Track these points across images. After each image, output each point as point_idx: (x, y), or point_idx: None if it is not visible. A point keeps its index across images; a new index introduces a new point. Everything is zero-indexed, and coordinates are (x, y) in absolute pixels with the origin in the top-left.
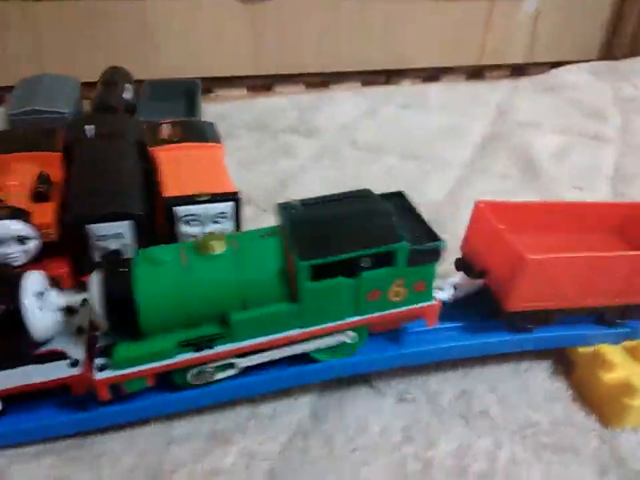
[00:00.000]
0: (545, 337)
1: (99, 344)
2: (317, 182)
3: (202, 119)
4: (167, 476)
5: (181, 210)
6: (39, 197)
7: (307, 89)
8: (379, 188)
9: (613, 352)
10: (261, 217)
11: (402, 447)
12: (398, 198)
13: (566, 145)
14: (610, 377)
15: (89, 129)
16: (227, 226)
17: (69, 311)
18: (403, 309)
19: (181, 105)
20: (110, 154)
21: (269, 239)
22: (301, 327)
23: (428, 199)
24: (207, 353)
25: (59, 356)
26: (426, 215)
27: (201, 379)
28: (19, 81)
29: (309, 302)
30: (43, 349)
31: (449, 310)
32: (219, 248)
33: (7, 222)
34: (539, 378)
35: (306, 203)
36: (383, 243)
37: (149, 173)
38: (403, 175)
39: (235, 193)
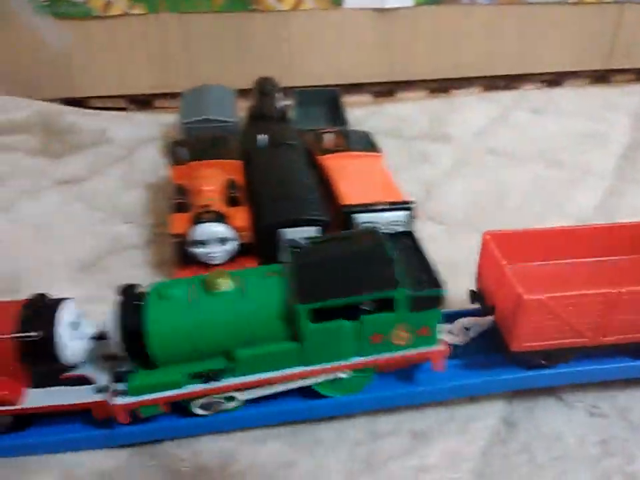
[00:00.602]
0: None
1: (118, 370)
2: (460, 190)
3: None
4: (381, 466)
5: (361, 218)
6: (233, 201)
7: (429, 94)
8: (525, 197)
9: None
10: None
11: (602, 460)
12: (407, 238)
13: None
14: None
15: (262, 139)
16: None
17: (101, 337)
18: (408, 352)
19: (324, 112)
20: (285, 162)
21: (273, 279)
22: (304, 365)
23: (578, 210)
24: (213, 385)
25: (85, 381)
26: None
27: (211, 409)
28: (185, 91)
29: (310, 342)
30: (72, 373)
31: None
32: (224, 286)
33: (213, 224)
34: None
35: (314, 242)
36: (382, 288)
37: (320, 181)
38: (548, 183)
39: (410, 202)
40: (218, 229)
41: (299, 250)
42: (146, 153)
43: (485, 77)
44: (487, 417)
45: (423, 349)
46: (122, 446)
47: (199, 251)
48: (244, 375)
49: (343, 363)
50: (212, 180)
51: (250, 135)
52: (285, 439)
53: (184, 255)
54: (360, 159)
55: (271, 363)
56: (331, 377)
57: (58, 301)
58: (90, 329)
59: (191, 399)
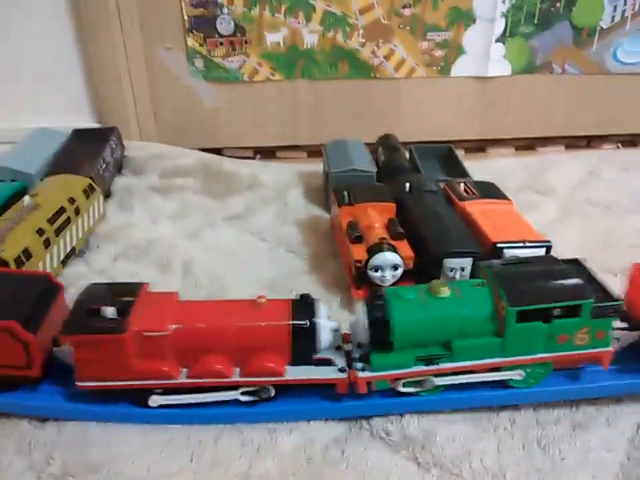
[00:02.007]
0: None
1: (354, 354)
2: (568, 238)
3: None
4: (553, 450)
5: (509, 252)
6: (398, 236)
7: (516, 151)
8: (630, 244)
9: None
10: None
11: None
12: (576, 264)
13: None
14: None
15: (408, 186)
16: None
17: (336, 331)
18: (585, 351)
19: (440, 165)
20: (434, 205)
21: (481, 288)
22: (502, 357)
23: None
24: (433, 367)
25: (329, 362)
26: None
27: (424, 387)
28: (327, 144)
29: (511, 338)
30: (319, 356)
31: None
32: (444, 292)
33: (389, 254)
34: None
35: (504, 263)
36: (574, 298)
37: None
38: None
39: (548, 241)
40: (393, 257)
41: (496, 269)
42: (292, 195)
43: (567, 137)
44: (631, 415)
45: (596, 350)
46: (342, 419)
47: (375, 274)
48: (457, 361)
49: (534, 356)
50: (377, 218)
51: (393, 183)
52: (470, 421)
53: (361, 278)
54: (493, 204)
55: (478, 353)
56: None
57: (316, 300)
58: (333, 323)
59: (411, 378)
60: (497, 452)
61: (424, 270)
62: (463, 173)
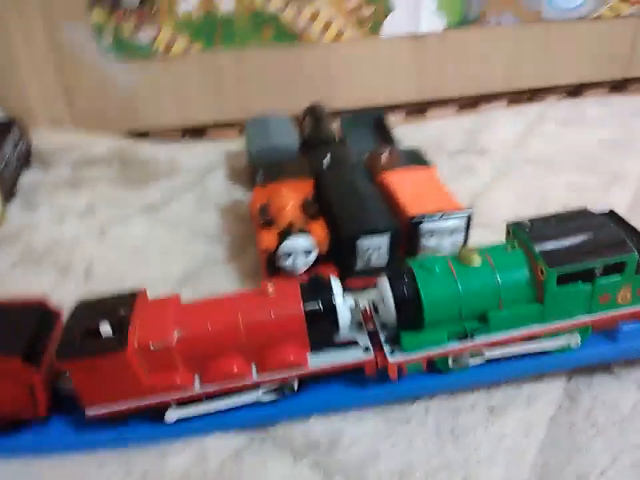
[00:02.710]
0: None
1: (380, 336)
2: (503, 199)
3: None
4: (467, 439)
5: (426, 227)
6: (312, 217)
7: (459, 111)
8: (563, 201)
9: None
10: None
11: None
12: (610, 215)
13: None
14: None
15: (326, 161)
16: (459, 238)
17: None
18: (627, 310)
19: (372, 134)
20: (353, 178)
21: (513, 252)
22: (542, 323)
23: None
24: (468, 343)
25: (353, 344)
26: None
27: (460, 365)
28: (248, 121)
29: (551, 303)
30: (341, 339)
31: None
32: (475, 261)
33: (299, 239)
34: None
35: (533, 222)
36: (617, 254)
37: (383, 196)
38: (584, 189)
39: (469, 210)
40: (303, 242)
41: (527, 229)
42: (214, 178)
43: (510, 92)
44: (551, 392)
45: (638, 307)
46: (242, 430)
47: (286, 262)
48: (495, 333)
49: (575, 320)
50: (291, 198)
51: (313, 158)
52: (381, 416)
53: (272, 266)
54: (417, 173)
55: (516, 322)
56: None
57: (328, 278)
58: (350, 300)
59: (446, 356)
60: (408, 447)
61: (338, 252)
62: (391, 141)
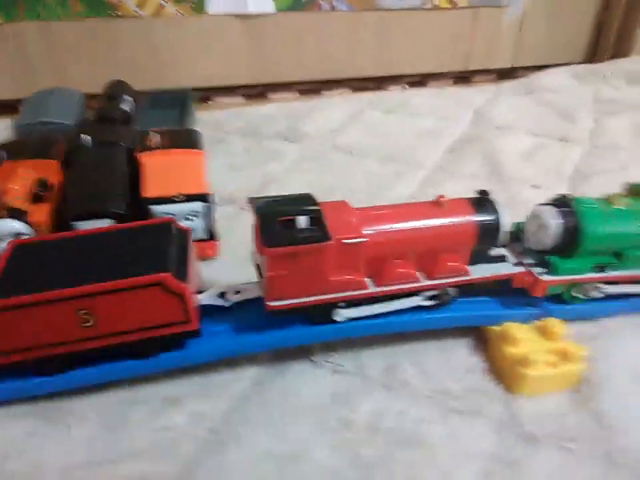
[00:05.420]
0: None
1: (528, 261)
2: (298, 184)
3: (196, 126)
4: (129, 432)
5: (157, 209)
6: (35, 198)
7: (300, 96)
8: (358, 189)
9: (520, 330)
10: (239, 216)
11: (328, 410)
12: None
13: (535, 146)
14: (513, 351)
15: (85, 139)
16: (199, 223)
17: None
18: None
19: (177, 113)
20: (102, 160)
21: None
22: None
23: (395, 198)
24: (604, 274)
25: (504, 259)
26: None
27: (590, 295)
28: (29, 96)
29: None
30: (493, 253)
31: None
32: (624, 204)
33: (6, 221)
34: (460, 353)
35: None
36: None
37: (135, 177)
38: (380, 176)
39: (205, 195)
40: (13, 225)
41: None
42: None
43: (356, 79)
44: (239, 380)
45: None
46: None
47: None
48: (627, 269)
49: None
50: (21, 179)
51: (77, 136)
52: (43, 414)
53: None
54: (179, 155)
55: None
56: None
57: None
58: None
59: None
60: (56, 447)
61: None
62: (183, 121)
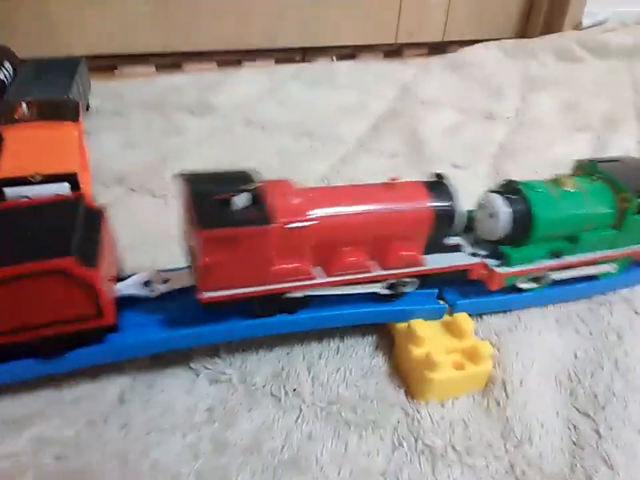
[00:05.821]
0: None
1: (481, 252)
2: (200, 161)
3: (92, 98)
4: None
5: (11, 191)
6: None
7: (218, 67)
8: (268, 165)
9: (426, 327)
10: (127, 197)
11: (201, 428)
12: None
13: (459, 123)
14: (417, 351)
15: None
16: None
17: None
18: None
19: (66, 83)
20: None
21: (597, 183)
22: (617, 248)
23: (308, 177)
24: (557, 261)
25: (459, 248)
26: None
27: (541, 283)
28: None
29: (629, 229)
30: (448, 242)
31: None
32: (572, 187)
33: None
34: (360, 354)
35: (601, 161)
36: None
37: None
38: (293, 153)
39: (73, 175)
40: None
41: (600, 164)
42: None
43: (280, 50)
44: (100, 395)
45: None
46: None
47: None
48: (581, 253)
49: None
50: None
51: None
52: None
53: None
54: (49, 129)
55: (599, 245)
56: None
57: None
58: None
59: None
60: None
61: None
62: (65, 91)
